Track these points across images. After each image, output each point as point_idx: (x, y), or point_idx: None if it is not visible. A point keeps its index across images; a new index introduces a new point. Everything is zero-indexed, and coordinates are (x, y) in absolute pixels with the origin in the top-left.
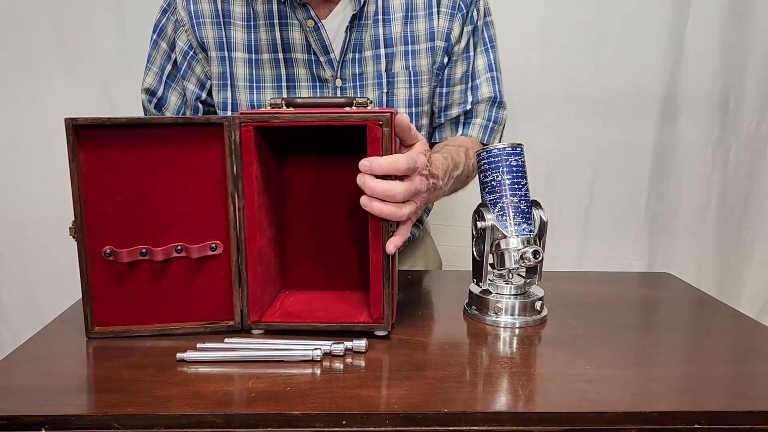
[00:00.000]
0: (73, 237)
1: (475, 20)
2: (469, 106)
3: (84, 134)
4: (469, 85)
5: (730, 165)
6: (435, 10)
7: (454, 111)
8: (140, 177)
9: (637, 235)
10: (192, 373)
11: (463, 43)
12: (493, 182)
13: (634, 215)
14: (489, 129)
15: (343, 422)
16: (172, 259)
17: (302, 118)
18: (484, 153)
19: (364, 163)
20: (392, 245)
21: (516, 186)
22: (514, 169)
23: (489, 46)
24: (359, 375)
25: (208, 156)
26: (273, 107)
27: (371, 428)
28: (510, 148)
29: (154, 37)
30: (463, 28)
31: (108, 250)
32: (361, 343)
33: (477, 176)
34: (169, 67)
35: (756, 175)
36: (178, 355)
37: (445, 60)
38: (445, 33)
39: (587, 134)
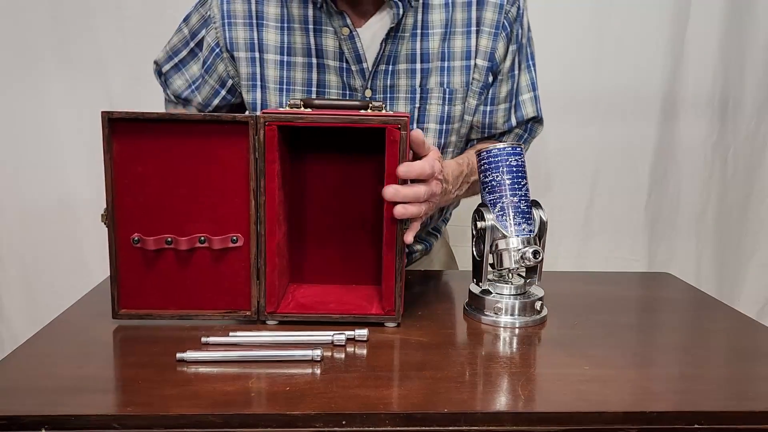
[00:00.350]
0: (105, 223)
1: (520, 38)
2: (513, 124)
3: (118, 127)
4: (513, 103)
5: (729, 165)
6: (474, 29)
7: (498, 129)
8: (168, 169)
9: (637, 235)
10: (192, 373)
11: (508, 62)
12: (493, 182)
13: (634, 215)
14: (523, 139)
15: (343, 422)
16: (196, 249)
17: (325, 120)
18: (484, 153)
19: (402, 169)
20: (410, 235)
21: (516, 186)
22: (514, 169)
23: (531, 63)
24: (359, 375)
25: (233, 152)
26: (292, 107)
27: (371, 428)
28: (510, 148)
29: (180, 22)
30: (508, 47)
31: (136, 237)
32: (363, 332)
33: (478, 176)
34: (183, 53)
35: (755, 175)
36: (178, 355)
37: (490, 79)
38: (489, 53)
39: (587, 134)
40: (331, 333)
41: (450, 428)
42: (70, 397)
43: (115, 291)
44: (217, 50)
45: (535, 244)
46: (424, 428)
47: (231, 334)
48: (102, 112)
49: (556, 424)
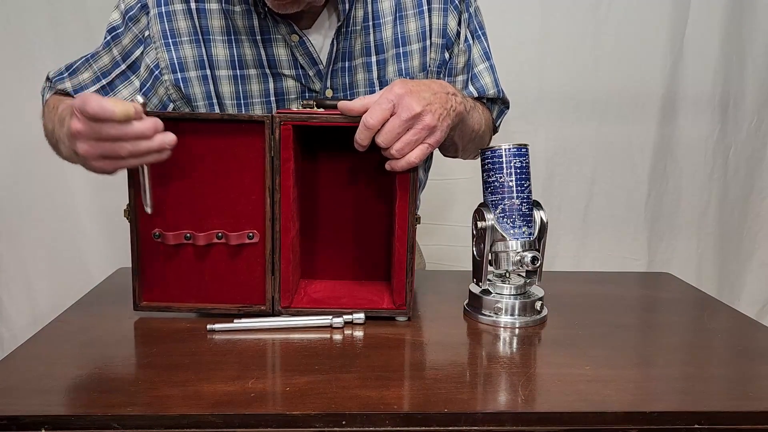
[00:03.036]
0: (127, 218)
1: (468, 8)
2: (474, 95)
3: None
4: (469, 75)
5: (729, 165)
6: (426, 8)
7: None
8: (188, 166)
9: (637, 235)
10: (192, 372)
11: (462, 35)
12: (495, 183)
13: (634, 215)
14: (501, 111)
15: (343, 422)
16: (213, 245)
17: (338, 119)
18: (489, 153)
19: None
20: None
21: (519, 188)
22: (518, 171)
23: (481, 32)
24: (359, 375)
25: (250, 150)
26: (305, 107)
27: (371, 428)
28: (515, 149)
29: (107, 38)
30: (460, 20)
31: (157, 232)
32: (360, 316)
33: (481, 175)
34: (113, 75)
35: (756, 175)
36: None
37: (446, 56)
38: (441, 29)
39: (587, 134)
40: (329, 317)
41: (450, 428)
42: (70, 397)
43: (137, 284)
44: (157, 72)
45: (535, 245)
46: (424, 428)
47: (236, 321)
48: None
49: (556, 424)
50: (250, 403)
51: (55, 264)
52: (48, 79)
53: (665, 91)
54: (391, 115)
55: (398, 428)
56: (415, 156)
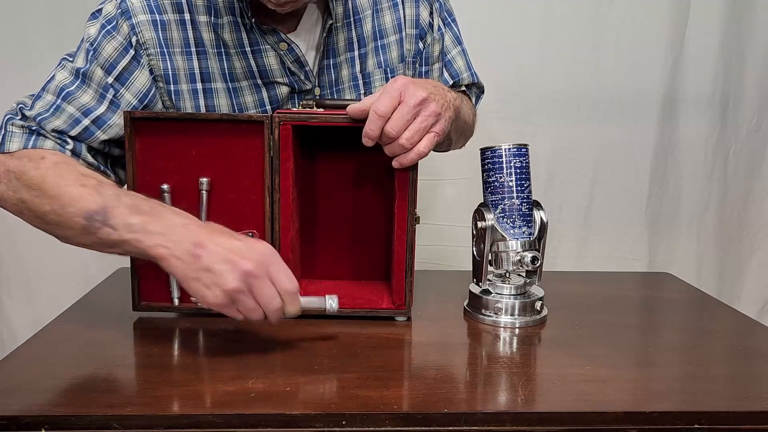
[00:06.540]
0: None
1: None
2: (449, 82)
3: (139, 126)
4: (443, 62)
5: (730, 165)
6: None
7: None
8: (188, 166)
9: (637, 235)
10: (192, 372)
11: (435, 24)
12: (495, 183)
13: (634, 215)
14: (478, 97)
15: (343, 422)
16: None
17: (337, 119)
18: (489, 152)
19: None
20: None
21: (519, 188)
22: (518, 171)
23: (450, 19)
24: (359, 375)
25: (250, 150)
26: (305, 107)
27: (371, 428)
28: (515, 149)
29: (87, 54)
30: (431, 10)
31: None
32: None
33: (481, 175)
34: (106, 103)
35: (756, 175)
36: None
37: (420, 46)
38: (414, 20)
39: (587, 134)
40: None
41: (450, 428)
42: (70, 397)
43: (136, 284)
44: (152, 77)
45: (535, 245)
46: (424, 428)
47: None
48: (124, 112)
49: (556, 424)
50: (250, 403)
51: (55, 264)
52: (22, 114)
53: (665, 91)
54: (399, 104)
55: (398, 428)
56: (424, 145)
